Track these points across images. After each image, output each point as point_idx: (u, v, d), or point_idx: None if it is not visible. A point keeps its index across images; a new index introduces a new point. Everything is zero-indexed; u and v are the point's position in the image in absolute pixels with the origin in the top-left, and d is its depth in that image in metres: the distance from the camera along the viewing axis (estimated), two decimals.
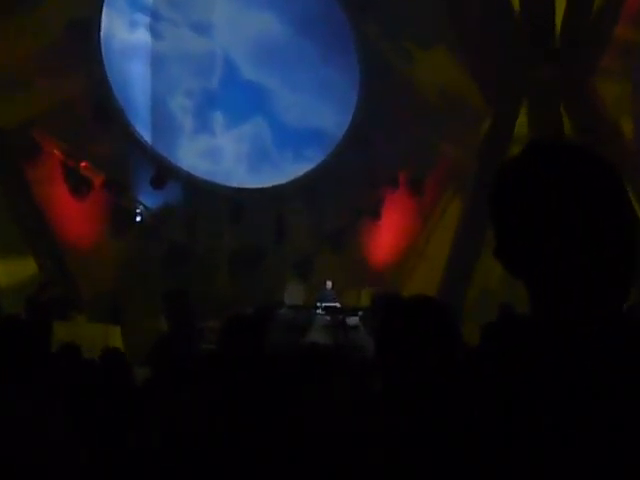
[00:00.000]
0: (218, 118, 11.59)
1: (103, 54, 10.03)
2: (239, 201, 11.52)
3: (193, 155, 11.68)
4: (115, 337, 7.83)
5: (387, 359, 1.38)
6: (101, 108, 10.62)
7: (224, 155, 11.85)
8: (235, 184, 11.67)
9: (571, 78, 9.78)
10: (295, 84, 11.76)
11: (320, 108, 11.74)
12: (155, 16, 10.37)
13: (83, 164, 10.10)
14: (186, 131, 11.60)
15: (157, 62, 10.46)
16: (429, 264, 10.75)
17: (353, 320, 9.08)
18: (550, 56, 9.66)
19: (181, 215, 11.19)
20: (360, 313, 9.25)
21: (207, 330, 7.80)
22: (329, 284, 9.88)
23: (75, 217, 9.81)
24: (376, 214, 11.61)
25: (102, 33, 10.02)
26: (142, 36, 10.35)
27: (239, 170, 11.91)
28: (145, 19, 10.33)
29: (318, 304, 9.57)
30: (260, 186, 11.77)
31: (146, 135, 11.33)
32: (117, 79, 10.57)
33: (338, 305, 9.65)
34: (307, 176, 11.87)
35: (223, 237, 10.89)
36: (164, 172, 11.28)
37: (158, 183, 11.20)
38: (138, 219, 11.15)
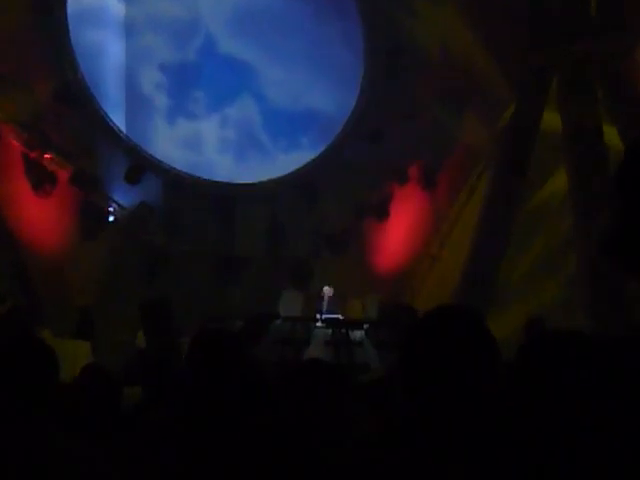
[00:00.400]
0: (198, 98, 11.43)
1: (68, 22, 9.63)
2: (227, 198, 11.61)
3: (171, 143, 11.53)
4: (85, 354, 7.86)
5: (413, 381, 1.32)
6: (65, 88, 10.44)
7: (207, 143, 11.70)
8: (222, 177, 11.67)
9: (609, 52, 9.34)
10: (285, 56, 11.50)
11: (316, 85, 11.66)
12: None
13: (46, 156, 10.34)
14: (162, 113, 11.36)
15: (127, 30, 10.19)
16: (444, 269, 10.90)
17: (357, 334, 9.17)
18: (584, 26, 9.17)
19: (161, 214, 11.30)
20: (365, 326, 9.52)
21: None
22: (330, 292, 9.94)
23: (37, 217, 9.68)
24: (383, 212, 11.78)
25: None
26: (111, 0, 10.02)
27: (225, 161, 11.77)
28: None
29: (318, 315, 9.61)
30: (251, 181, 11.77)
31: (118, 119, 11.14)
32: (83, 52, 10.51)
33: (340, 317, 9.71)
34: (305, 169, 11.89)
35: (209, 239, 10.96)
36: (140, 164, 11.23)
37: (134, 177, 11.15)
38: (111, 219, 11.18)
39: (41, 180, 9.76)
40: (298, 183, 11.54)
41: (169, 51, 11.01)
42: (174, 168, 11.40)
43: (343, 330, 9.13)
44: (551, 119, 9.78)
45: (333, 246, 11.46)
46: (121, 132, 11.15)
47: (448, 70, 10.70)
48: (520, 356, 1.25)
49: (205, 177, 11.26)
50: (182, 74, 11.14)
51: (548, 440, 1.03)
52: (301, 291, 10.41)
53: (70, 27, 9.76)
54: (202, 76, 11.05)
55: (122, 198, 11.13)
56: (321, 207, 11.41)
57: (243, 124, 11.50)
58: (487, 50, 10.15)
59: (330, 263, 11.25)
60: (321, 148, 11.65)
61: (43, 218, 9.68)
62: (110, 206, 11.03)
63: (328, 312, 9.82)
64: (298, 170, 11.71)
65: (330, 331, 9.19)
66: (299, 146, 11.69)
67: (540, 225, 10.03)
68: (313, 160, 11.63)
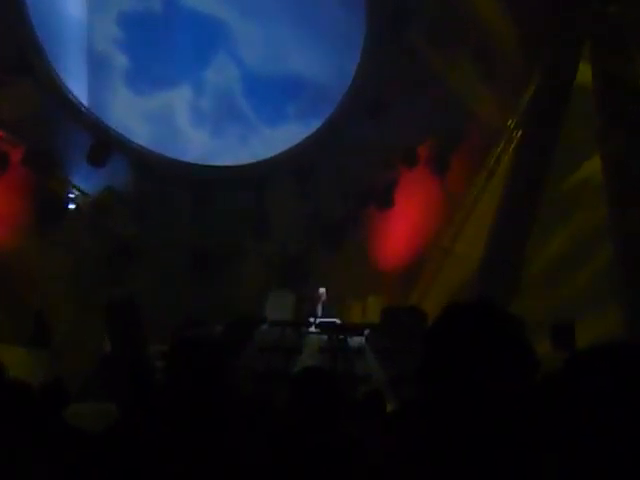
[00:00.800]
0: (165, 59, 11.03)
1: None
2: (206, 182, 11.46)
3: (138, 116, 11.25)
4: (41, 365, 7.87)
5: (435, 386, 1.33)
6: (14, 49, 10.22)
7: (179, 114, 11.43)
8: (198, 155, 11.44)
9: None
10: (263, 10, 11.11)
11: (302, 47, 11.32)
12: None
13: None
14: (124, 77, 11.04)
15: None
16: (457, 264, 11.12)
17: (357, 341, 9.27)
18: None
19: (129, 201, 11.18)
20: (366, 332, 9.54)
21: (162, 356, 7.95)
22: (324, 292, 10.15)
23: None
24: (388, 200, 11.88)
25: None
26: None
27: (201, 136, 11.54)
28: None
29: (311, 319, 9.79)
30: (232, 161, 11.57)
31: (78, 89, 10.85)
32: (35, 6, 10.03)
33: (337, 321, 9.88)
34: (297, 149, 11.74)
35: (185, 230, 11.18)
36: (105, 143, 11.08)
37: (97, 158, 11.03)
38: (71, 207, 11.04)
39: None
40: (289, 166, 11.47)
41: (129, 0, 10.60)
42: (144, 147, 11.27)
43: (340, 336, 9.23)
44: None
45: (329, 240, 11.61)
46: (82, 104, 10.96)
47: (466, 31, 10.75)
48: (566, 375, 1.24)
49: (180, 157, 11.18)
50: (144, 29, 10.80)
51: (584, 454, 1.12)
52: (292, 291, 10.60)
53: None
54: (169, 33, 10.79)
55: (84, 182, 11.02)
56: (316, 194, 11.41)
57: (220, 91, 11.16)
58: (511, 12, 10.41)
59: (326, 259, 11.37)
60: (311, 121, 11.44)
61: None
62: (70, 191, 10.95)
63: (323, 316, 10.01)
64: (289, 151, 11.63)
65: (325, 337, 9.27)
66: (285, 117, 11.41)
67: (573, 209, 10.23)
68: (307, 139, 11.52)
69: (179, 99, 11.06)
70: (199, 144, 11.27)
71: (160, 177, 11.13)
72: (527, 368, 1.31)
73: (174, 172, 11.27)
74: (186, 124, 11.23)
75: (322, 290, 10.29)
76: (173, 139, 11.25)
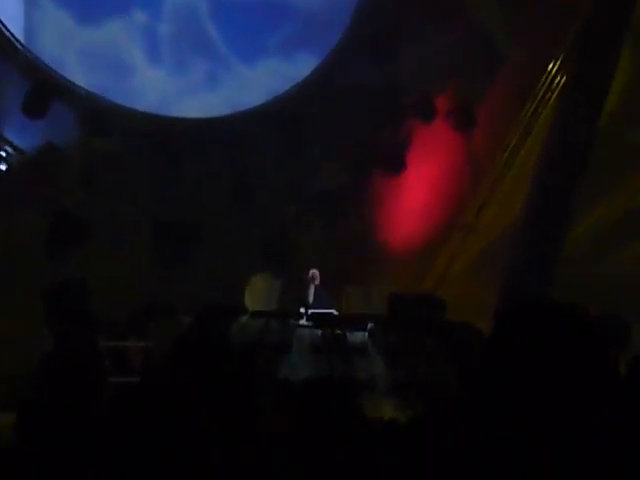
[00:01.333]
0: None
1: None
2: (170, 138, 11.38)
3: (83, 54, 11.13)
4: None
5: (506, 402, 1.49)
6: None
7: (129, 45, 11.19)
8: (156, 100, 11.31)
9: None
10: None
11: None
12: None
13: None
14: (64, 3, 10.92)
15: None
16: (482, 244, 11.27)
17: (358, 337, 9.29)
18: None
19: (74, 161, 11.10)
20: (370, 325, 9.44)
21: (120, 353, 8.11)
22: (317, 276, 10.27)
23: None
24: (398, 163, 11.88)
25: None
26: None
27: (158, 72, 11.37)
28: None
29: (302, 310, 9.82)
30: (204, 110, 11.40)
31: (9, 20, 10.79)
32: None
33: (334, 312, 9.96)
34: (285, 99, 11.68)
35: (144, 198, 11.30)
36: (44, 88, 10.95)
37: (35, 107, 10.91)
38: (2, 168, 11.00)
39: None
40: (275, 119, 11.43)
41: None
42: (91, 93, 11.12)
43: (338, 331, 9.23)
44: None
45: (325, 211, 11.63)
46: (17, 40, 10.85)
47: None
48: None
49: (134, 103, 10.99)
50: None
51: None
52: (278, 275, 10.73)
53: None
54: None
55: (18, 137, 10.96)
56: (307, 154, 11.39)
57: (182, 17, 10.93)
58: None
59: (320, 236, 11.54)
60: (298, 57, 11.32)
61: None
62: (1, 148, 10.88)
63: (316, 305, 10.09)
64: (275, 101, 11.58)
65: (319, 332, 9.25)
66: (265, 52, 11.18)
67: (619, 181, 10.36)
68: (295, 84, 11.38)
69: (130, 27, 10.80)
70: (156, 85, 11.07)
71: (112, 131, 11.06)
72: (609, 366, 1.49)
73: (129, 125, 11.18)
74: (140, 59, 10.97)
75: (315, 273, 10.39)
76: (124, 79, 11.06)
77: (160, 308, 9.23)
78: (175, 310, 9.12)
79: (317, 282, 10.36)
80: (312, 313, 9.74)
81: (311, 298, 10.31)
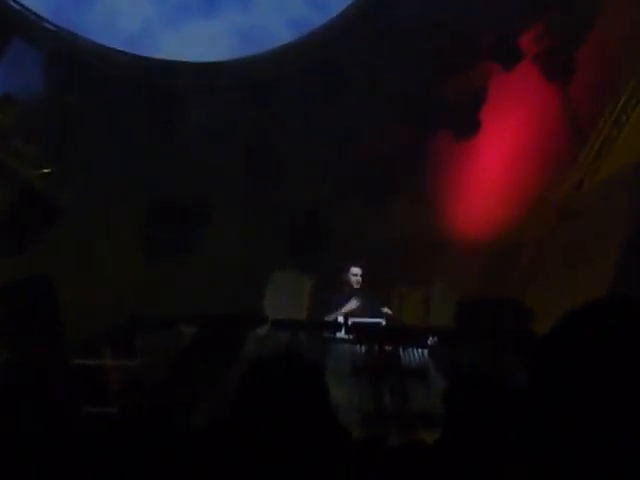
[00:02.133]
0: None
1: None
2: (166, 90, 11.47)
3: None
4: None
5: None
6: None
7: None
8: (137, 33, 11.46)
9: None
10: None
11: None
12: None
13: None
14: None
15: None
16: (584, 231, 11.11)
17: (416, 356, 9.42)
18: None
19: (40, 121, 11.03)
20: (431, 340, 9.58)
21: (98, 374, 8.37)
22: (359, 274, 10.48)
23: None
24: (469, 123, 11.86)
25: None
26: None
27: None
28: None
29: (339, 319, 10.01)
30: (207, 54, 11.53)
31: None
32: None
33: (383, 322, 10.15)
34: (316, 38, 11.78)
35: (130, 170, 11.10)
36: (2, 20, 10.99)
37: None
38: None
39: None
40: (301, 64, 11.51)
41: None
42: (61, 28, 11.23)
43: (388, 347, 9.32)
44: None
45: (371, 186, 11.67)
46: None
47: None
48: None
49: (111, 41, 11.18)
50: None
51: None
52: (308, 273, 11.12)
53: None
54: None
55: None
56: (347, 111, 11.37)
57: None
58: None
59: (364, 219, 11.52)
60: None
61: None
62: None
63: (359, 313, 10.19)
64: (302, 41, 11.72)
65: (363, 349, 9.35)
66: None
67: None
68: (334, 18, 11.47)
69: None
70: (138, 14, 11.34)
71: (90, 79, 11.14)
72: None
73: (113, 70, 11.32)
74: None
75: (356, 271, 10.50)
76: (110, 19, 11.33)
77: (152, 316, 9.40)
78: (172, 319, 9.29)
79: (359, 283, 10.52)
80: (353, 323, 9.77)
81: (352, 304, 10.43)
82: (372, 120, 11.45)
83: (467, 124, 11.82)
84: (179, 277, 10.76)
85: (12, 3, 11.24)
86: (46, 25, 11.31)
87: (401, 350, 9.38)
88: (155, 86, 11.43)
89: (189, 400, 7.72)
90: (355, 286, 10.53)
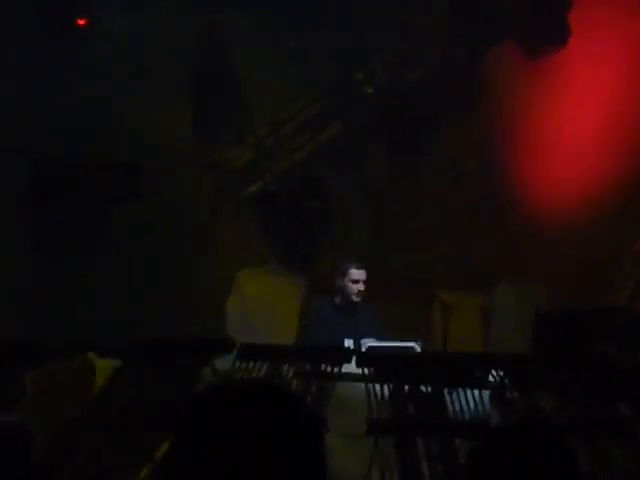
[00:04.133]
0: None
1: None
2: None
3: None
4: None
5: None
6: None
7: None
8: None
9: None
10: None
11: None
12: None
13: None
14: None
15: None
16: None
17: (469, 400, 8.71)
18: None
19: None
20: (494, 375, 8.91)
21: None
22: (360, 278, 10.33)
23: None
24: (550, 36, 11.73)
25: None
26: None
27: None
28: None
29: (346, 343, 9.69)
30: None
31: None
32: None
33: (416, 346, 9.80)
34: None
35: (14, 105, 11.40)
36: None
37: None
38: None
39: None
40: None
41: None
42: None
43: (425, 388, 8.80)
44: None
45: (389, 138, 11.55)
46: None
47: None
48: None
49: None
50: None
51: None
52: (294, 270, 11.00)
53: None
54: None
55: None
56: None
57: None
58: None
59: (378, 185, 11.65)
60: None
61: None
62: None
63: (376, 333, 10.06)
64: None
65: (385, 391, 8.70)
66: None
67: None
68: None
69: None
70: None
71: None
72: None
73: None
74: None
75: (359, 275, 10.27)
76: None
77: (45, 341, 9.06)
78: (74, 343, 8.87)
79: (361, 293, 10.23)
80: (370, 349, 9.46)
81: (365, 320, 10.27)
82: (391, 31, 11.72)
83: (550, 37, 11.62)
84: (85, 277, 10.84)
85: None
86: None
87: (447, 393, 8.67)
88: None
89: None
90: (354, 298, 10.19)
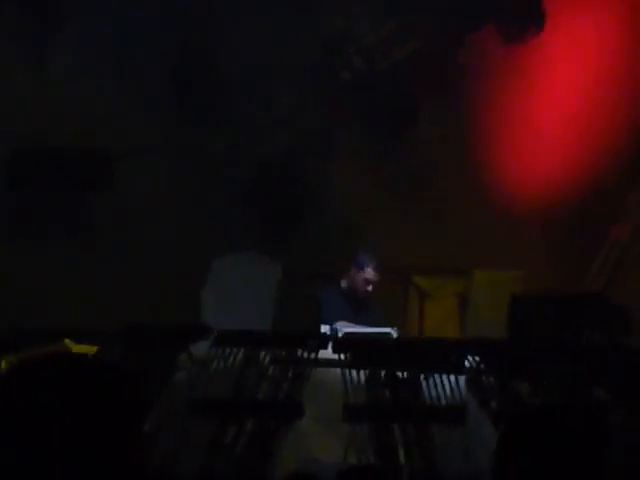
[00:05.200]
0: None
1: None
2: None
3: None
4: None
5: None
6: None
7: None
8: None
9: None
10: None
11: None
12: None
13: None
14: None
15: None
16: None
17: (445, 386, 8.85)
18: None
19: None
20: (470, 361, 9.02)
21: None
22: (373, 278, 10.46)
23: None
24: (532, 19, 11.67)
25: None
26: None
27: None
28: None
29: (322, 329, 9.89)
30: None
31: None
32: None
33: (392, 332, 9.88)
34: None
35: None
36: None
37: None
38: None
39: None
40: None
41: None
42: None
43: (402, 373, 8.84)
44: None
45: (374, 125, 11.52)
46: None
47: None
48: None
49: None
50: None
51: None
52: (272, 254, 11.11)
53: None
54: None
55: None
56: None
57: None
58: None
59: (363, 168, 11.50)
60: None
61: None
62: None
63: (356, 317, 10.29)
64: None
65: (362, 376, 8.79)
66: None
67: None
68: None
69: None
70: None
71: None
72: None
73: None
74: None
75: (373, 274, 10.29)
76: None
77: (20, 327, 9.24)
78: (51, 329, 8.94)
79: (370, 275, 10.18)
80: (346, 335, 9.62)
81: (348, 304, 10.32)
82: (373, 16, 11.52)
83: (531, 21, 11.50)
84: (57, 261, 10.81)
85: None
86: None
87: (423, 378, 8.77)
88: None
89: None
90: (360, 295, 10.22)
